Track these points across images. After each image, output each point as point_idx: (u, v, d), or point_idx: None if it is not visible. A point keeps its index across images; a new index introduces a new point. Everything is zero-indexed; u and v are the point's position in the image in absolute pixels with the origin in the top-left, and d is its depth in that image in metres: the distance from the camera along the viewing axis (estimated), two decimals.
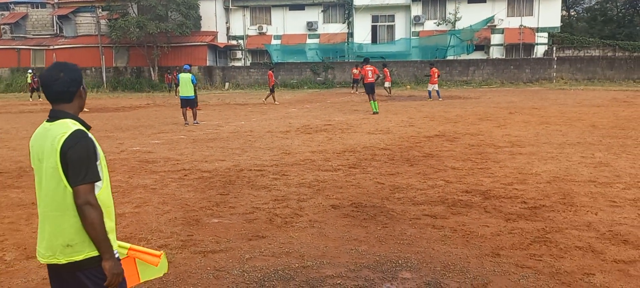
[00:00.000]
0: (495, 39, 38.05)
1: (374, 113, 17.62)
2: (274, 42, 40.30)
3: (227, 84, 38.00)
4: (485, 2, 37.88)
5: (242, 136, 12.85)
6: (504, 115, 16.21)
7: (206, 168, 8.89)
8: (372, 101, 18.01)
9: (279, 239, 5.19)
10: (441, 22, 38.20)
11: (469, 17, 37.47)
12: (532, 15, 37.50)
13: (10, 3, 42.46)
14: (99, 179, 2.45)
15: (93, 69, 38.96)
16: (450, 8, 38.16)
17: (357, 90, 29.77)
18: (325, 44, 39.51)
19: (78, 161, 2.37)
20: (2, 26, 41.36)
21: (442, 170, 8.23)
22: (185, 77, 15.83)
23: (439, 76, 24.32)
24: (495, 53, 38.21)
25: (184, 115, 15.98)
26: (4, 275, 4.42)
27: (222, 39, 40.21)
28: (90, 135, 2.47)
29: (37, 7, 41.65)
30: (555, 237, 5.06)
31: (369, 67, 18.69)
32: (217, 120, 17.05)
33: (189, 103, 15.80)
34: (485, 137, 11.63)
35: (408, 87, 34.03)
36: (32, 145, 2.54)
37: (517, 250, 4.77)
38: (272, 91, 23.85)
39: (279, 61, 38.90)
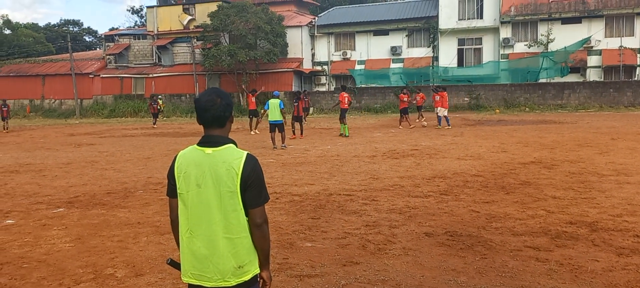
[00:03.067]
0: (592, 60, 35.84)
1: (341, 135, 19.50)
2: (357, 67, 40.58)
3: (311, 108, 38.67)
4: (580, 22, 35.88)
5: (329, 160, 12.97)
6: (605, 141, 15.15)
7: (296, 191, 9.04)
8: (343, 124, 19.55)
9: (374, 266, 5.14)
10: (532, 44, 36.62)
11: (562, 38, 35.62)
12: (633, 35, 34.97)
13: (115, 35, 46.37)
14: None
15: (187, 96, 41.21)
16: (542, 29, 36.52)
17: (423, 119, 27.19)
18: (410, 68, 39.17)
19: (259, 183, 2.54)
20: (107, 56, 45.01)
21: (541, 199, 7.80)
22: (274, 103, 16.42)
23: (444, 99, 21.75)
24: (593, 75, 35.95)
25: (273, 139, 16.44)
26: None
27: (307, 65, 41.14)
28: None
29: (139, 39, 45.00)
30: None
31: (345, 94, 20.00)
32: (304, 144, 17.35)
33: (277, 127, 16.30)
34: (586, 165, 10.92)
35: (497, 111, 32.83)
36: (186, 170, 2.55)
37: None
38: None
39: (363, 85, 39.06)
